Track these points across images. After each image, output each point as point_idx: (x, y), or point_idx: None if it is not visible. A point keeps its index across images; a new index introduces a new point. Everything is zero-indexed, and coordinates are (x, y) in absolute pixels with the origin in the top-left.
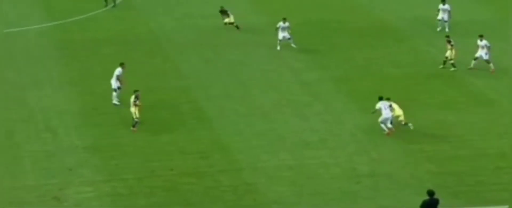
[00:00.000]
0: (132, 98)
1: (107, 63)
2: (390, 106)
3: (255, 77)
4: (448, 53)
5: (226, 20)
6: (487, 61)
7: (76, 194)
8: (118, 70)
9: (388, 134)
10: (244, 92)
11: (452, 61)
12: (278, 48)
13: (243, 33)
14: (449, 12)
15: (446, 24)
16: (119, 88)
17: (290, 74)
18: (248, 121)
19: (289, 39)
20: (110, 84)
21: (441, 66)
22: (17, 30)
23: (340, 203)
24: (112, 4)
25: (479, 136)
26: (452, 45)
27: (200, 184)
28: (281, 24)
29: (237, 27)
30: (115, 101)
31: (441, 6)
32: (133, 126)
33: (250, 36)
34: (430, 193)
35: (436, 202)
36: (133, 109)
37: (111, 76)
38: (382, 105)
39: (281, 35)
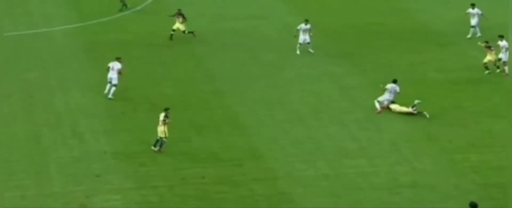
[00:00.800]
0: (162, 117)
1: (138, 66)
2: (396, 92)
3: (292, 82)
4: (487, 58)
5: (175, 26)
6: (500, 61)
7: (103, 202)
8: (117, 64)
9: (379, 113)
10: (280, 97)
11: (486, 65)
12: (298, 52)
13: (280, 36)
14: (478, 16)
15: (477, 29)
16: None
17: (329, 78)
18: (284, 128)
19: (308, 43)
20: (140, 88)
21: (487, 72)
22: (43, 31)
23: None
24: (119, 8)
25: None
26: (492, 49)
27: (234, 193)
28: (302, 26)
29: (171, 37)
30: (111, 96)
31: (470, 10)
32: (160, 147)
33: (287, 38)
34: (473, 205)
35: None
36: (161, 128)
37: (142, 80)
38: (391, 87)
39: (302, 38)
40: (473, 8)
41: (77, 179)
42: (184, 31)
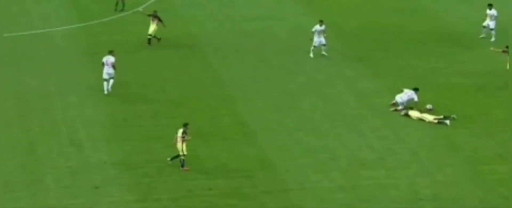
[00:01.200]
0: (180, 133)
1: (141, 69)
2: (412, 99)
3: (304, 87)
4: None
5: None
6: None
7: None
8: (111, 58)
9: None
10: (292, 104)
11: None
12: (311, 55)
13: (292, 37)
14: (495, 18)
15: (492, 32)
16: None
17: (344, 83)
18: (297, 136)
19: (324, 45)
20: (143, 93)
21: None
22: (41, 32)
23: None
24: (121, 8)
25: None
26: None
27: (243, 206)
28: (317, 27)
29: (157, 38)
30: (109, 89)
31: (487, 11)
32: (182, 166)
33: (299, 40)
34: None
35: None
36: (179, 145)
37: (145, 84)
38: (410, 93)
39: (316, 40)
40: (490, 9)
41: (75, 191)
42: (150, 34)
